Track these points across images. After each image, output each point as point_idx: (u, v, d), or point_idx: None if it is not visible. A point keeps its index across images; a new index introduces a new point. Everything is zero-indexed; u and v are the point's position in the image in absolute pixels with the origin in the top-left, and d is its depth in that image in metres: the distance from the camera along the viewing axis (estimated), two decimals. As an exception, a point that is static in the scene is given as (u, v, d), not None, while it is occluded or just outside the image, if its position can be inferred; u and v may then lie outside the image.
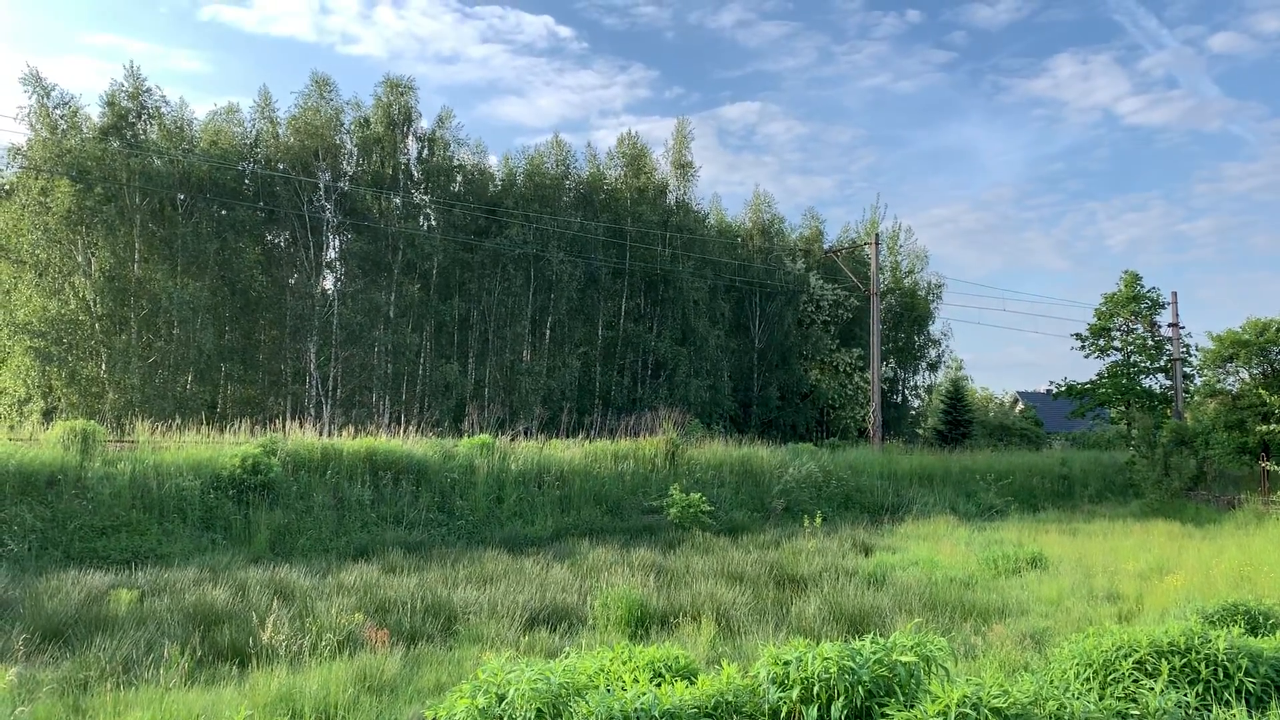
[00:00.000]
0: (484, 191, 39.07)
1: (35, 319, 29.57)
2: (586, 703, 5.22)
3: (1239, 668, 6.49)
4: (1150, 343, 42.21)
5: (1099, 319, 43.17)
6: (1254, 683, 6.46)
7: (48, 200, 30.00)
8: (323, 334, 34.24)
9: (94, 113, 31.96)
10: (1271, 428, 28.24)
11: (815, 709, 5.29)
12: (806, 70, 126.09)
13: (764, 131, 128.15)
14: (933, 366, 56.49)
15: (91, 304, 30.38)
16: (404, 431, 24.45)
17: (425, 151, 38.09)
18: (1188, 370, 41.20)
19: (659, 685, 5.57)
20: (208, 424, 23.50)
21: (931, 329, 55.03)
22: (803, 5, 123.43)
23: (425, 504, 20.16)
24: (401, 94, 36.81)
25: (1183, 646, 6.62)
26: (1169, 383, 41.83)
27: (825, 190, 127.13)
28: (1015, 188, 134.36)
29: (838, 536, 20.08)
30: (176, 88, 68.09)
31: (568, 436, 26.73)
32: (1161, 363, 42.03)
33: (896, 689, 5.44)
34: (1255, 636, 7.74)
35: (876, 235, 40.45)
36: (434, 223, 37.88)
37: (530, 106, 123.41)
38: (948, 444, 40.88)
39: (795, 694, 5.38)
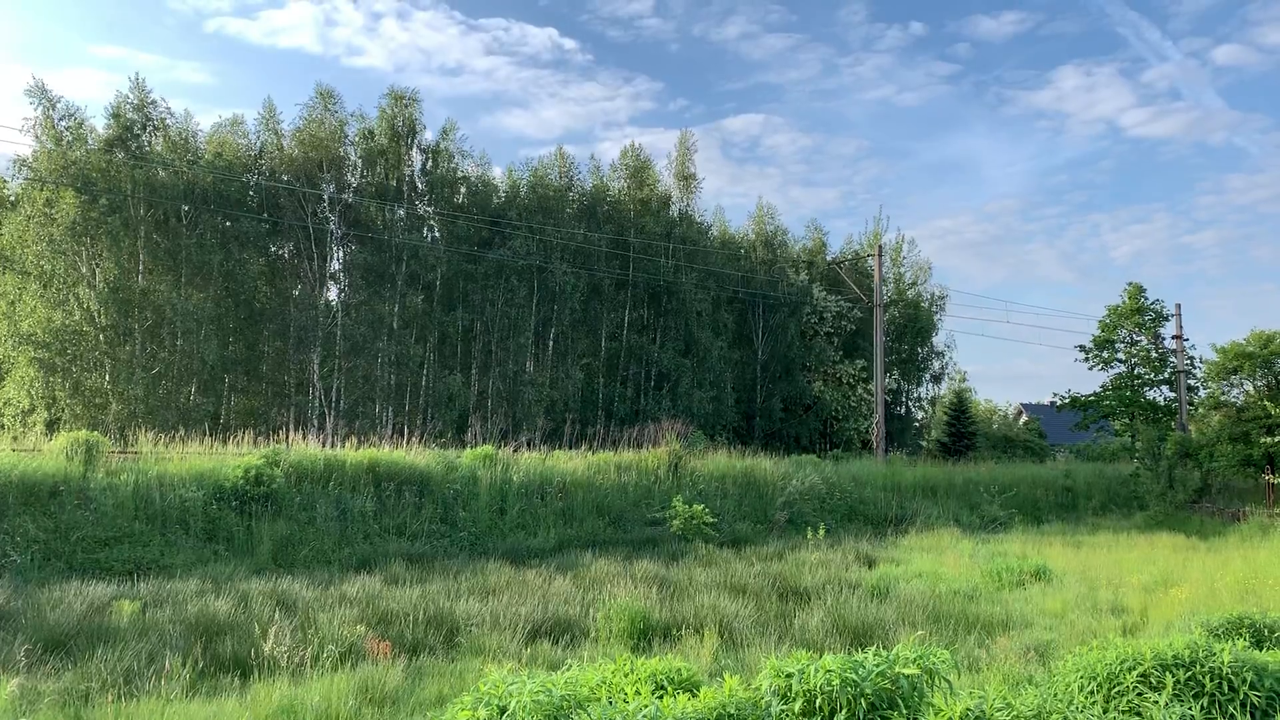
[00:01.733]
0: (488, 203, 39.20)
1: (40, 330, 29.65)
2: (588, 715, 5.20)
3: (1244, 681, 6.46)
4: (1154, 355, 42.19)
5: (1103, 331, 43.16)
6: (1259, 696, 6.42)
7: (53, 211, 30.12)
8: (326, 345, 34.30)
9: (99, 124, 32.17)
10: (1276, 440, 28.19)
11: (818, 722, 5.27)
12: (810, 82, 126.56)
13: (767, 143, 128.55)
14: (936, 378, 56.45)
15: (96, 315, 30.46)
16: (407, 442, 24.45)
17: (429, 163, 38.23)
18: (1192, 382, 41.18)
19: (661, 698, 5.55)
20: (211, 435, 23.51)
21: (935, 341, 54.98)
22: (806, 18, 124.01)
23: (428, 515, 20.14)
24: (406, 106, 37.00)
25: (1187, 659, 6.58)
26: (1173, 395, 41.78)
27: (828, 202, 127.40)
28: (1019, 199, 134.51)
29: (841, 549, 20.03)
30: (181, 100, 68.15)
31: (570, 448, 26.71)
32: (1165, 375, 41.98)
33: (899, 702, 5.42)
34: (1260, 649, 7.70)
35: (879, 247, 40.55)
36: (438, 234, 38.00)
37: (534, 118, 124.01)
38: (951, 456, 40.82)
39: (798, 706, 5.36)
